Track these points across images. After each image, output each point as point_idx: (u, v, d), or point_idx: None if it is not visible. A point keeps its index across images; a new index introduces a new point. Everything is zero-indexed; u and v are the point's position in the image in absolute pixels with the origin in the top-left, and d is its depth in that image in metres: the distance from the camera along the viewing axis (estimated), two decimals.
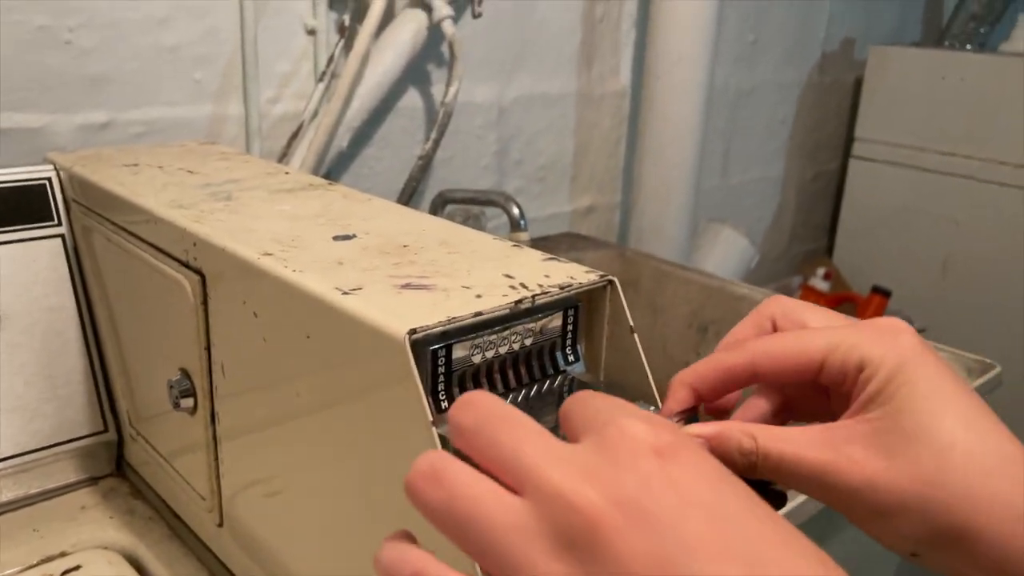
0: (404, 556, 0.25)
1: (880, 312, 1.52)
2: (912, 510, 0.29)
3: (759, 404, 0.35)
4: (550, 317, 0.39)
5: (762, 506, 0.23)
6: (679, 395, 0.34)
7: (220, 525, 0.50)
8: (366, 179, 1.07)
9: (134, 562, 0.53)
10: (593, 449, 0.24)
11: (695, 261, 1.42)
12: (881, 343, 0.31)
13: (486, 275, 0.39)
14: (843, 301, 1.58)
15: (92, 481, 0.60)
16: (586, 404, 0.26)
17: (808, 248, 1.83)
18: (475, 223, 1.17)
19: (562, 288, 0.38)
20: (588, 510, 0.22)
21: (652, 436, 0.23)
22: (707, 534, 0.22)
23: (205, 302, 0.46)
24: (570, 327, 0.40)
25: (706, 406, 0.36)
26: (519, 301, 0.36)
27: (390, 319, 0.34)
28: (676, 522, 0.22)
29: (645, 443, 0.23)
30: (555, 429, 0.36)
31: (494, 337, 0.37)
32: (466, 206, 1.14)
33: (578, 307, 0.40)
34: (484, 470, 0.25)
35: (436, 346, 0.35)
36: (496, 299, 0.36)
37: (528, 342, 0.39)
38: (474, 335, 0.36)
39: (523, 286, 0.38)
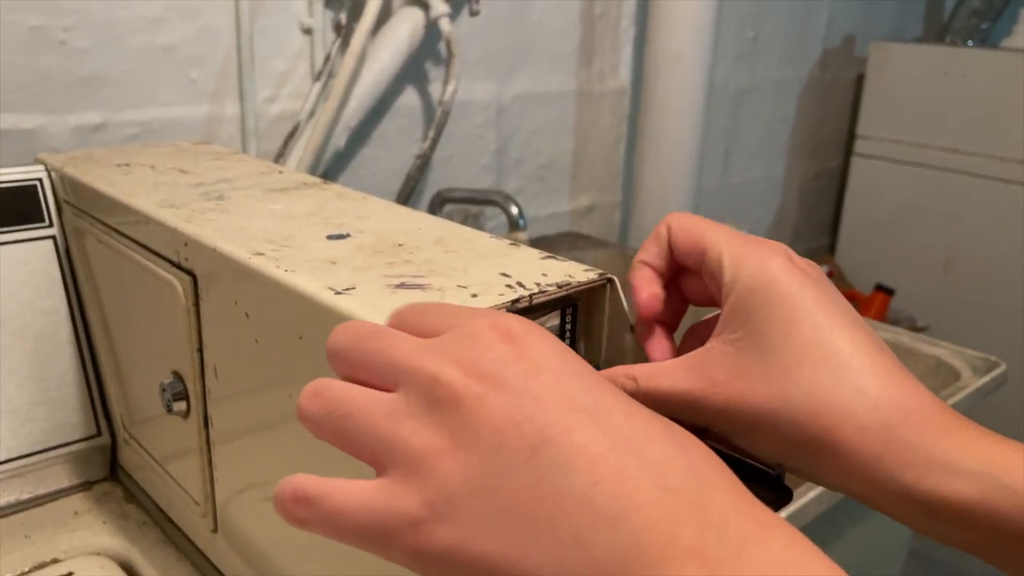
0: (288, 480, 0.27)
1: (883, 311, 1.51)
2: (768, 424, 0.31)
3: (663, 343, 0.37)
4: (548, 316, 0.38)
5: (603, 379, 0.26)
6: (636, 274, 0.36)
7: (214, 531, 0.49)
8: (364, 179, 1.06)
9: (127, 568, 0.53)
10: (453, 339, 0.26)
11: None
12: (751, 258, 0.33)
13: (482, 274, 0.39)
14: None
15: (86, 486, 0.59)
16: (440, 308, 0.29)
17: (810, 246, 1.82)
18: (474, 223, 1.16)
19: (560, 287, 0.37)
20: (452, 384, 0.25)
21: (504, 323, 0.26)
22: (556, 389, 0.24)
23: (197, 303, 0.45)
24: (568, 326, 0.39)
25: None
26: (516, 300, 0.36)
27: (384, 319, 0.33)
28: (527, 384, 0.24)
29: (498, 329, 0.26)
30: None
31: None
32: (465, 206, 1.13)
33: (576, 306, 0.39)
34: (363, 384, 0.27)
35: None
36: (492, 298, 0.36)
37: None
38: None
39: (520, 285, 0.37)
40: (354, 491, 0.25)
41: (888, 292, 1.52)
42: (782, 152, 1.67)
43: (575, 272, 0.39)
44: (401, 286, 0.37)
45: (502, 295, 0.36)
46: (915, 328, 1.49)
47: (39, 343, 0.57)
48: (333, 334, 0.29)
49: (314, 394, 0.27)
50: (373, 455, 0.26)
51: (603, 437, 0.23)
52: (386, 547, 0.25)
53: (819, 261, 1.72)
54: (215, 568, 0.50)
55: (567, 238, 1.29)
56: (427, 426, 0.25)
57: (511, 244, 0.43)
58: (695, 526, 0.22)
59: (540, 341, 0.26)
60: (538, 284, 0.37)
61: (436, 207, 1.08)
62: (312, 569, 0.42)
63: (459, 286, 0.37)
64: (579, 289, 0.38)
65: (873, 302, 1.52)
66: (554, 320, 0.39)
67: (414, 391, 0.25)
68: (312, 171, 0.92)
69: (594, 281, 0.38)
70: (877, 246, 1.66)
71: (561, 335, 0.39)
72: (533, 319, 0.38)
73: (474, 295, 0.36)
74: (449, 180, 1.16)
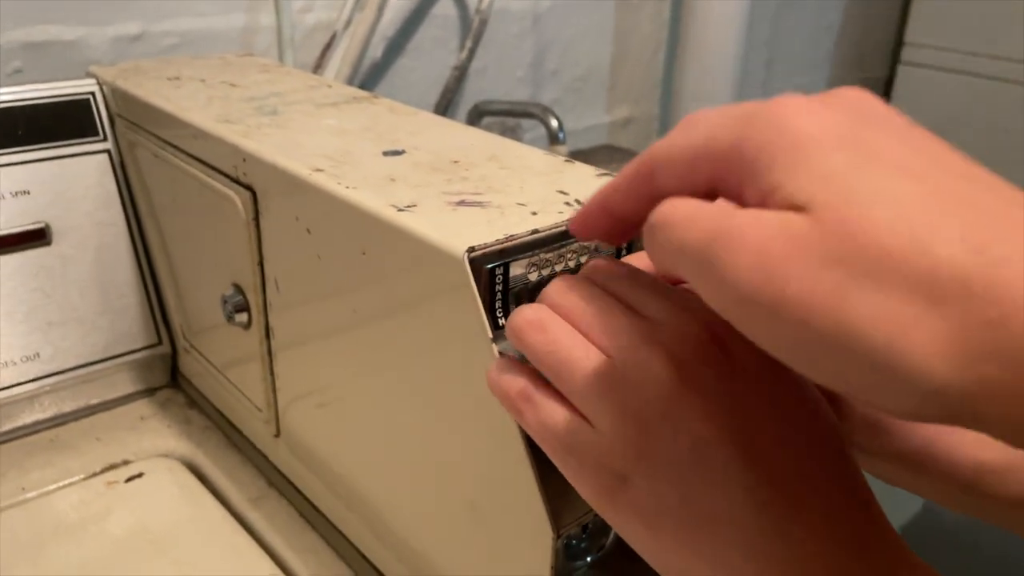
0: (514, 372, 0.29)
1: None
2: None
3: None
4: None
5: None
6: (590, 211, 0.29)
7: (277, 436, 0.51)
8: (400, 91, 1.05)
9: (193, 470, 0.55)
10: (671, 333, 0.26)
11: None
12: (761, 130, 0.22)
13: (539, 191, 0.39)
14: None
15: (149, 392, 0.62)
16: (653, 287, 0.28)
17: None
18: (511, 137, 1.15)
19: None
20: (662, 384, 0.25)
21: (718, 332, 0.26)
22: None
23: (257, 218, 0.46)
24: (624, 250, 0.40)
25: None
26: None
27: (448, 237, 0.34)
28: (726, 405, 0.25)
29: (715, 338, 0.26)
30: None
31: (550, 255, 0.37)
32: (502, 118, 1.12)
33: None
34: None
35: (493, 264, 0.35)
36: (552, 216, 0.36)
37: (583, 260, 0.38)
38: (530, 253, 0.36)
39: (579, 202, 0.38)
40: (563, 419, 0.27)
41: None
42: (826, 62, 1.62)
43: None
44: (461, 203, 0.38)
45: (561, 213, 0.36)
46: None
47: (100, 255, 0.59)
48: (554, 284, 0.29)
49: (539, 325, 0.28)
50: (580, 404, 0.27)
51: None
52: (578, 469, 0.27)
53: None
54: (277, 470, 0.53)
55: (604, 151, 1.28)
56: (626, 416, 0.25)
57: (565, 161, 0.43)
58: None
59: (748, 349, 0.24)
60: None
61: (474, 120, 1.07)
62: (371, 473, 0.44)
63: (518, 204, 0.38)
64: None
65: None
66: None
67: (630, 371, 0.25)
68: (350, 83, 0.92)
69: None
70: None
71: (617, 253, 0.40)
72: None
73: (533, 213, 0.36)
74: (484, 92, 1.14)
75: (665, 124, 1.40)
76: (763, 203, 0.21)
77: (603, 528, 0.39)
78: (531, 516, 0.33)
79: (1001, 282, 0.18)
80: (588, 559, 0.41)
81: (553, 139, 1.03)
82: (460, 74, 1.03)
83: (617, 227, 0.29)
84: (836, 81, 1.65)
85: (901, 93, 1.65)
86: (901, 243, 0.19)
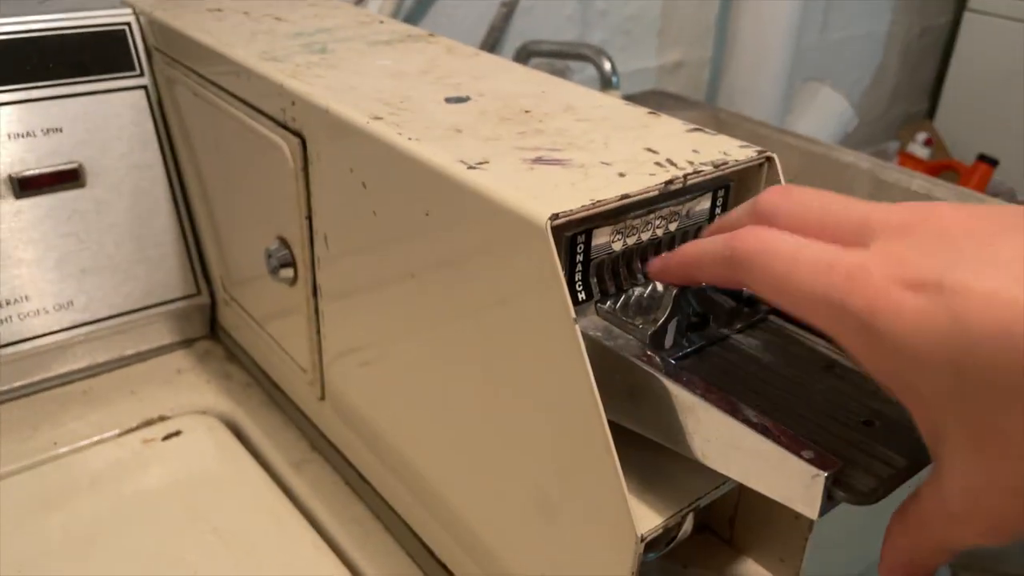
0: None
1: (984, 184, 1.42)
2: None
3: None
4: (698, 199, 0.35)
5: None
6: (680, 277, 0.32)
7: (322, 399, 0.48)
8: (444, 28, 1.00)
9: (233, 428, 0.53)
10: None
11: (788, 123, 1.33)
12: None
13: (625, 148, 0.35)
14: (944, 169, 1.48)
15: (186, 344, 0.59)
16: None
17: (909, 111, 1.71)
18: None
19: (716, 166, 0.33)
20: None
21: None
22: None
23: (306, 167, 0.42)
24: (718, 210, 0.35)
25: None
26: (669, 181, 0.32)
27: (527, 200, 0.30)
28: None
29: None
30: (698, 324, 0.33)
31: (637, 222, 0.33)
32: (551, 60, 1.06)
33: (729, 188, 0.35)
34: None
35: (576, 232, 0.31)
36: (643, 179, 0.32)
37: (672, 227, 0.34)
38: (616, 220, 0.32)
39: (670, 163, 0.33)
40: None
41: (991, 163, 1.42)
42: (886, 8, 1.53)
43: (731, 149, 0.35)
44: (538, 161, 0.34)
45: (652, 175, 0.32)
46: (1016, 202, 1.40)
47: (135, 199, 0.56)
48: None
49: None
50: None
51: None
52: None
53: (917, 127, 1.61)
54: (321, 434, 0.50)
55: (653, 97, 1.22)
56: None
57: (650, 114, 0.39)
58: None
59: None
60: (691, 163, 0.33)
61: (522, 61, 1.02)
62: (422, 441, 0.41)
63: (602, 163, 0.33)
64: (735, 169, 0.34)
65: (974, 173, 1.43)
66: (704, 203, 0.35)
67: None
68: (394, 17, 0.87)
69: (753, 160, 0.34)
70: (982, 113, 1.54)
71: (710, 220, 0.35)
72: (683, 202, 0.34)
73: (621, 174, 0.32)
74: (530, 32, 1.09)
75: (717, 69, 1.33)
76: None
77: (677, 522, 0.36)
78: (611, 514, 0.30)
79: None
80: (660, 552, 0.38)
81: (606, 83, 0.98)
82: (508, 11, 0.97)
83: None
84: (897, 29, 1.57)
85: (964, 42, 1.56)
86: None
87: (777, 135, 1.05)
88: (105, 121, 0.55)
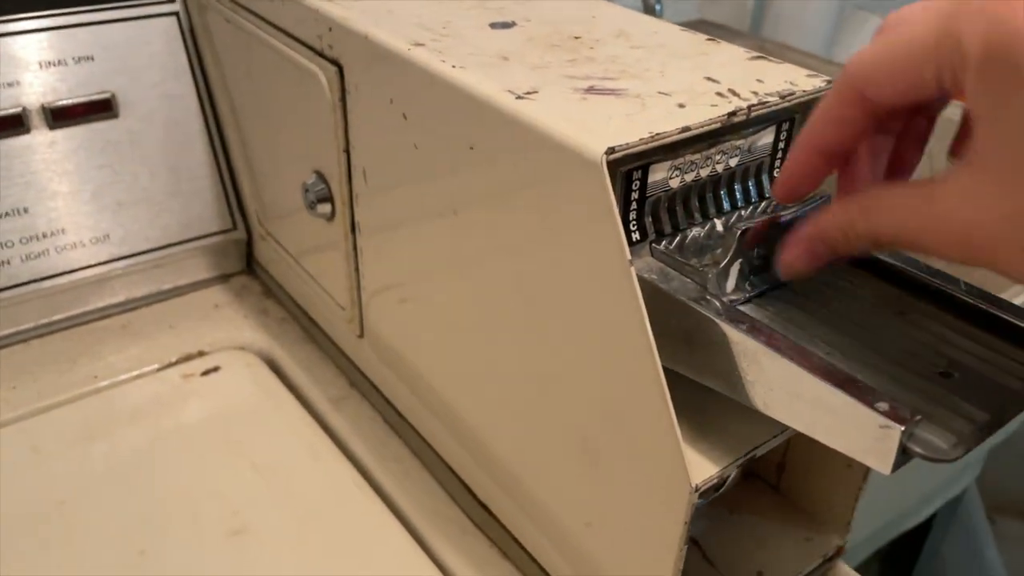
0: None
1: None
2: None
3: None
4: (761, 132, 0.33)
5: None
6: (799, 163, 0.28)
7: (360, 336, 0.47)
8: None
9: (270, 364, 0.52)
10: None
11: (836, 55, 1.28)
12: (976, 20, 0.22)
13: (684, 77, 0.33)
14: None
15: (223, 279, 0.59)
16: None
17: None
18: None
19: (783, 97, 0.31)
20: None
21: None
22: None
23: (343, 98, 0.40)
24: (782, 144, 0.33)
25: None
26: (732, 113, 0.30)
27: (580, 133, 0.28)
28: None
29: None
30: (761, 267, 0.31)
31: (696, 156, 0.31)
32: None
33: (794, 120, 0.33)
34: None
35: (631, 167, 0.29)
36: (703, 110, 0.30)
37: (733, 162, 0.32)
38: (674, 155, 0.30)
39: (733, 93, 0.31)
40: None
41: None
42: None
43: (797, 78, 0.32)
44: (591, 90, 0.31)
45: (715, 106, 0.30)
46: None
47: (169, 131, 0.54)
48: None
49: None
50: None
51: None
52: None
53: None
54: (360, 371, 0.50)
55: (696, 26, 1.17)
56: None
57: (709, 40, 0.36)
58: None
59: None
60: (755, 93, 0.31)
61: None
62: (463, 383, 0.40)
63: (660, 92, 0.31)
64: (802, 100, 0.32)
65: None
66: (768, 137, 0.33)
67: None
68: None
69: (821, 90, 0.32)
70: None
71: (772, 155, 0.33)
72: (745, 136, 0.32)
73: (680, 105, 0.30)
74: None
75: None
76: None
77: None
78: (664, 463, 0.29)
79: None
80: (708, 499, 0.37)
81: (648, 11, 0.94)
82: None
83: (830, 165, 0.28)
84: None
85: None
86: None
87: (825, 66, 1.00)
88: (137, 49, 0.53)
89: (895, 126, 0.28)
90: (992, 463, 1.30)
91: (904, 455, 0.24)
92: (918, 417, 0.24)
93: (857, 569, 0.41)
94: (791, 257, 0.29)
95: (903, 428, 0.23)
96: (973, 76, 0.22)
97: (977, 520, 1.33)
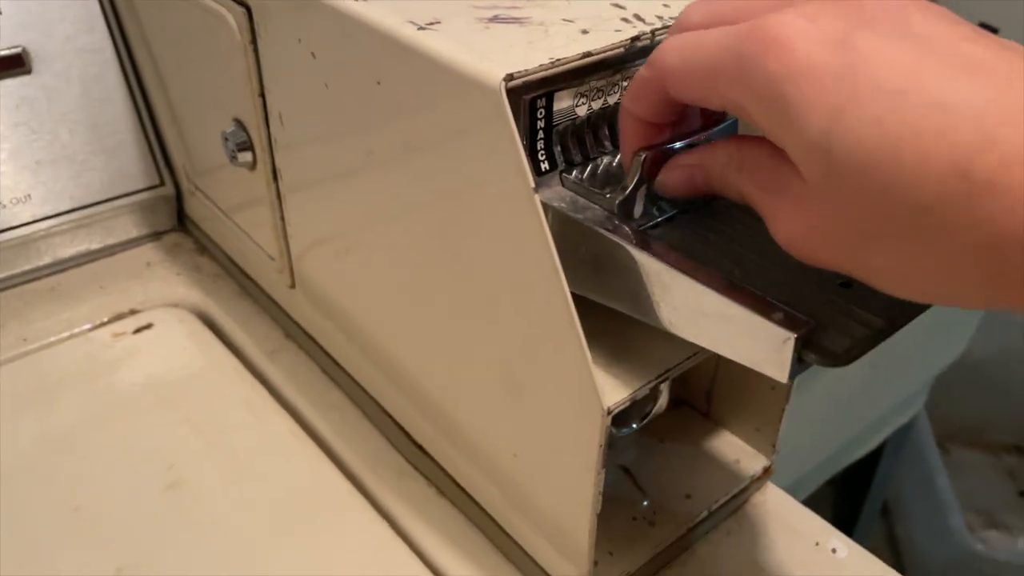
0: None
1: None
2: None
3: None
4: None
5: None
6: (630, 128, 0.29)
7: (292, 286, 0.47)
8: None
9: (205, 320, 0.52)
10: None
11: None
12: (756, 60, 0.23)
13: (590, 5, 0.32)
14: None
15: (154, 236, 0.58)
16: None
17: None
18: None
19: None
20: None
21: None
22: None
23: (254, 40, 0.39)
24: None
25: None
26: (636, 38, 0.30)
27: (480, 61, 0.28)
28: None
29: None
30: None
31: (603, 83, 0.31)
32: None
33: None
34: None
35: (535, 94, 0.29)
36: (607, 35, 0.30)
37: None
38: (579, 82, 0.30)
39: (638, 18, 0.31)
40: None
41: (992, 31, 1.37)
42: None
43: None
44: (495, 19, 0.31)
45: (618, 31, 0.30)
46: None
47: (87, 86, 0.53)
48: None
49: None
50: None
51: None
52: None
53: None
54: (295, 322, 0.49)
55: None
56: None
57: None
58: None
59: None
60: (660, 18, 0.31)
61: None
62: (392, 321, 0.40)
63: (564, 20, 0.31)
64: None
65: None
66: None
67: None
68: None
69: None
70: None
71: None
72: None
73: (584, 31, 0.30)
74: None
75: None
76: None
77: (649, 396, 0.35)
78: (577, 388, 0.29)
79: None
80: (634, 426, 0.37)
81: None
82: None
83: (650, 129, 0.29)
84: None
85: None
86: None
87: None
88: (46, 2, 0.52)
89: None
90: (943, 393, 1.34)
91: (801, 362, 0.24)
92: (813, 324, 0.24)
93: (810, 498, 0.42)
94: (667, 178, 0.29)
95: (796, 336, 0.24)
96: (756, 117, 0.23)
97: (927, 448, 1.37)
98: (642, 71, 0.27)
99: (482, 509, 0.39)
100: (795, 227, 0.24)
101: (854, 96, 0.21)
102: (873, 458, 1.29)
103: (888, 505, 1.43)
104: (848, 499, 1.36)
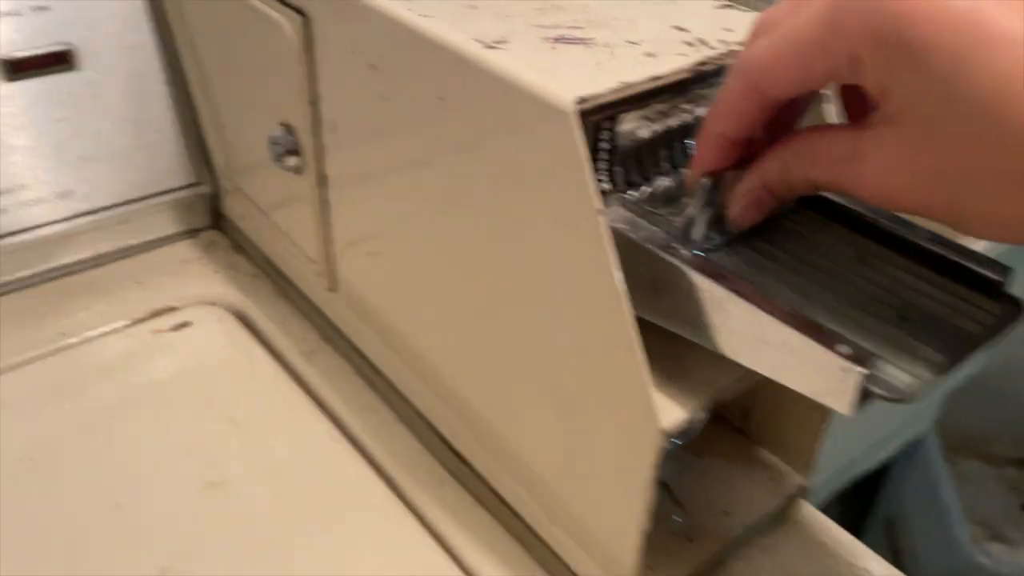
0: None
1: None
2: None
3: None
4: None
5: None
6: (712, 149, 0.30)
7: (331, 289, 0.47)
8: None
9: (242, 319, 0.52)
10: None
11: None
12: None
13: (653, 27, 0.33)
14: None
15: (191, 234, 0.58)
16: None
17: None
18: None
19: None
20: None
21: None
22: None
23: (310, 48, 0.40)
24: None
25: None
26: (702, 63, 0.30)
27: (550, 83, 0.28)
28: None
29: None
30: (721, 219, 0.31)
31: (665, 106, 0.31)
32: None
33: None
34: None
35: (601, 117, 0.30)
36: (672, 59, 0.30)
37: (700, 112, 0.33)
38: (644, 104, 0.30)
39: (702, 42, 0.31)
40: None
41: None
42: None
43: None
44: (560, 40, 0.31)
45: (683, 55, 0.30)
46: None
47: (131, 84, 0.53)
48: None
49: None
50: None
51: None
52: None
53: None
54: (332, 325, 0.50)
55: None
56: None
57: None
58: None
59: None
60: (724, 42, 0.31)
61: None
62: (436, 334, 0.40)
63: (628, 42, 0.31)
64: None
65: None
66: None
67: None
68: None
69: None
70: None
71: None
72: (713, 85, 0.32)
73: (649, 54, 0.30)
74: None
75: None
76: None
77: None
78: (634, 407, 0.29)
79: None
80: (677, 442, 0.38)
81: None
82: None
83: (736, 149, 0.29)
84: None
85: None
86: None
87: None
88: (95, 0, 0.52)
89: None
90: (952, 406, 1.34)
91: (864, 396, 0.25)
92: (877, 359, 0.25)
93: (819, 510, 0.43)
94: (739, 211, 0.30)
95: (863, 370, 0.24)
96: (869, 63, 0.24)
97: (935, 462, 1.37)
98: (730, 85, 0.28)
99: (521, 520, 0.39)
100: (890, 179, 0.25)
101: (979, 42, 0.22)
102: (882, 471, 1.29)
103: (892, 517, 1.43)
104: (853, 511, 1.37)
